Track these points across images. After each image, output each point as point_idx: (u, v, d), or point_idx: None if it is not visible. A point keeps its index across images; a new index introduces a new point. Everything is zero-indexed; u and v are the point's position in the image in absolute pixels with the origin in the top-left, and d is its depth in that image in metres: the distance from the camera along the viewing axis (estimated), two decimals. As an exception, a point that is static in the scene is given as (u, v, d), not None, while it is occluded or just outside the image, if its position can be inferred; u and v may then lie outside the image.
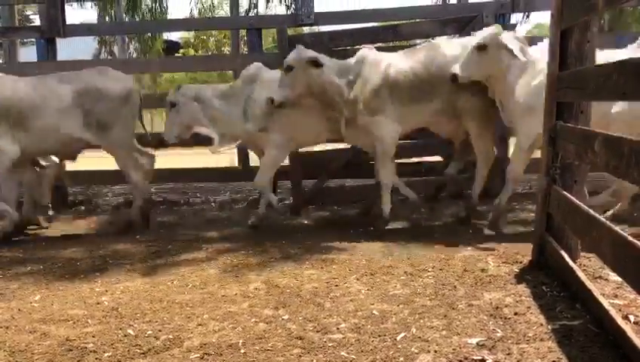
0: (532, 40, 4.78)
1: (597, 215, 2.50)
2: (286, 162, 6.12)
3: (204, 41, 22.32)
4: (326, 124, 4.93)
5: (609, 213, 4.49)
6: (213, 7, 16.39)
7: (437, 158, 6.40)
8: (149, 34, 13.91)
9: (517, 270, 3.46)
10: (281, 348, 2.52)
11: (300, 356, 2.43)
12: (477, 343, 2.47)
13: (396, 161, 6.27)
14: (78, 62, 6.85)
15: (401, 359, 2.36)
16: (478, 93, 4.70)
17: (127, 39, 15.55)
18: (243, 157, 9.28)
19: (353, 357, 2.40)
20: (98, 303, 3.21)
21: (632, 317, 2.62)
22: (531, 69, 4.32)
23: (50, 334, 2.78)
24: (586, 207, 2.67)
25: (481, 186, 4.96)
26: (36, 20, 15.49)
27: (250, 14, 12.72)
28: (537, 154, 3.66)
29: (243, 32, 9.43)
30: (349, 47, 6.27)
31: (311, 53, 4.64)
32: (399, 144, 5.17)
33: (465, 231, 4.59)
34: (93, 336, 2.73)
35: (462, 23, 5.90)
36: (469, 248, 4.05)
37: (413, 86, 4.71)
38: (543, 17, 50.47)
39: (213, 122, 4.99)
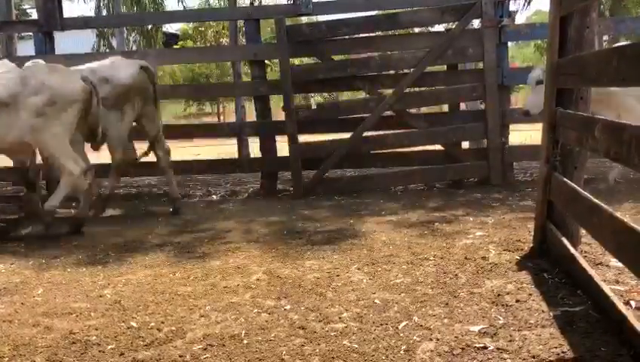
0: (533, 26, 4.76)
1: (598, 201, 2.50)
2: (286, 153, 6.14)
3: (202, 33, 22.23)
4: None
5: None
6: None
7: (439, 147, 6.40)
8: (150, 26, 13.84)
9: (518, 257, 3.46)
10: (284, 338, 2.53)
11: (303, 346, 2.44)
12: (479, 331, 2.48)
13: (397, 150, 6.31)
14: (77, 55, 6.85)
15: (404, 347, 2.37)
16: None
17: (126, 32, 15.50)
18: (242, 149, 9.30)
19: (355, 346, 2.41)
20: (101, 296, 3.22)
21: (633, 303, 2.63)
22: None
23: (54, 327, 2.79)
24: (587, 194, 2.67)
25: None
26: (34, 14, 15.43)
27: (249, 5, 12.66)
28: (538, 140, 3.64)
29: (241, 23, 9.39)
30: (347, 37, 6.27)
31: None
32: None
33: (466, 220, 4.59)
34: (96, 329, 2.74)
35: (460, 11, 5.88)
36: (470, 236, 4.05)
37: None
38: (542, 4, 50.20)
39: None
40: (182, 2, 14.26)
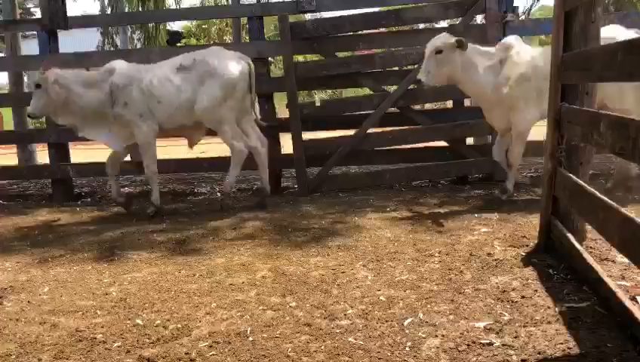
0: (537, 22, 4.74)
1: (603, 197, 2.49)
2: (290, 150, 6.13)
3: (205, 30, 22.23)
4: None
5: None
6: None
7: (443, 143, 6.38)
8: (153, 24, 13.81)
9: (523, 253, 3.46)
10: (289, 335, 2.53)
11: (308, 342, 2.44)
12: (484, 327, 2.48)
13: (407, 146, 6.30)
14: (82, 53, 6.85)
15: (409, 344, 2.37)
16: None
17: (129, 30, 15.49)
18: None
19: (361, 342, 2.41)
20: (106, 294, 3.24)
21: (639, 299, 2.62)
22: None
23: (60, 325, 2.81)
24: (592, 189, 2.66)
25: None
26: (37, 13, 15.44)
27: (252, 2, 12.63)
28: (543, 137, 3.64)
29: (244, 21, 9.39)
30: (351, 33, 6.25)
31: None
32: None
33: (470, 216, 4.58)
34: (102, 327, 2.75)
35: (464, 7, 5.86)
36: (475, 232, 4.04)
37: None
38: (546, -1, 49.91)
39: None
40: (179, 4, 14.25)
